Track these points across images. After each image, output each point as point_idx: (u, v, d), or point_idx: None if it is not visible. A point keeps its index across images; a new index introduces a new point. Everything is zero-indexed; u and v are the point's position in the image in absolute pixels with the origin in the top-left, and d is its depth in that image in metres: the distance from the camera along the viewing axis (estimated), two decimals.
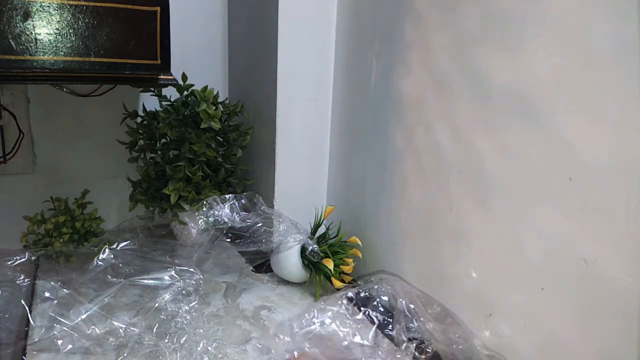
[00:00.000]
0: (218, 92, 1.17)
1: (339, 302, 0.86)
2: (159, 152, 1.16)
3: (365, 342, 0.82)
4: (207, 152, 1.11)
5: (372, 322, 0.87)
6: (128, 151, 1.18)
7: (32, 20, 0.83)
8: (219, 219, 1.04)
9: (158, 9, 0.92)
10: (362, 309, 0.89)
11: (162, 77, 1.00)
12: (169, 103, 1.15)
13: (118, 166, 1.29)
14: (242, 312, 0.97)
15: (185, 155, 1.10)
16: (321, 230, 1.11)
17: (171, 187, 1.09)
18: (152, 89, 1.17)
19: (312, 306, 0.85)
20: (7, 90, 1.16)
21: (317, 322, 0.82)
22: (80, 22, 0.86)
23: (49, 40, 0.84)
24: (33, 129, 1.21)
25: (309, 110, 1.14)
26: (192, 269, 0.96)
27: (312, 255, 1.04)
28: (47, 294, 0.90)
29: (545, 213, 0.66)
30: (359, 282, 0.95)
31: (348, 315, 0.84)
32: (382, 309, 0.89)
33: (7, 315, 0.86)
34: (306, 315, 0.83)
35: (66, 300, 0.89)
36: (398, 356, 0.80)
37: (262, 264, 1.14)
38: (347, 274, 1.05)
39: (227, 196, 1.08)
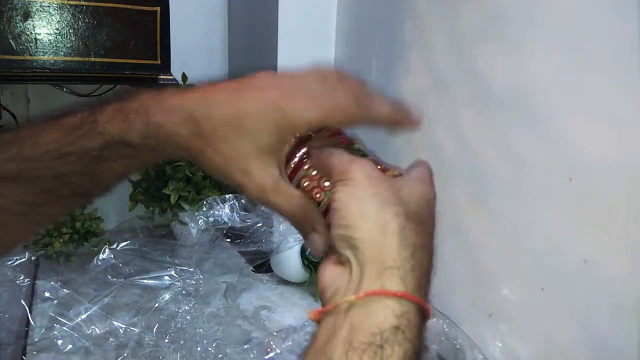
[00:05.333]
0: None
1: None
2: None
3: None
4: None
5: None
6: None
7: (32, 20, 0.83)
8: (219, 219, 1.04)
9: (158, 9, 0.92)
10: None
11: (162, 77, 1.00)
12: None
13: None
14: (242, 312, 0.97)
15: None
16: None
17: (171, 187, 1.09)
18: None
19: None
20: (7, 90, 1.16)
21: None
22: (80, 22, 0.86)
23: (49, 40, 0.84)
24: None
25: None
26: (192, 269, 0.96)
27: (312, 255, 1.04)
28: (47, 294, 0.90)
29: (545, 213, 0.66)
30: None
31: None
32: None
33: (7, 315, 0.86)
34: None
35: (66, 300, 0.89)
36: None
37: (262, 264, 1.14)
38: None
39: (227, 196, 1.07)
